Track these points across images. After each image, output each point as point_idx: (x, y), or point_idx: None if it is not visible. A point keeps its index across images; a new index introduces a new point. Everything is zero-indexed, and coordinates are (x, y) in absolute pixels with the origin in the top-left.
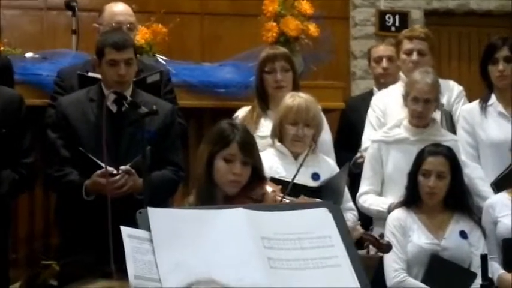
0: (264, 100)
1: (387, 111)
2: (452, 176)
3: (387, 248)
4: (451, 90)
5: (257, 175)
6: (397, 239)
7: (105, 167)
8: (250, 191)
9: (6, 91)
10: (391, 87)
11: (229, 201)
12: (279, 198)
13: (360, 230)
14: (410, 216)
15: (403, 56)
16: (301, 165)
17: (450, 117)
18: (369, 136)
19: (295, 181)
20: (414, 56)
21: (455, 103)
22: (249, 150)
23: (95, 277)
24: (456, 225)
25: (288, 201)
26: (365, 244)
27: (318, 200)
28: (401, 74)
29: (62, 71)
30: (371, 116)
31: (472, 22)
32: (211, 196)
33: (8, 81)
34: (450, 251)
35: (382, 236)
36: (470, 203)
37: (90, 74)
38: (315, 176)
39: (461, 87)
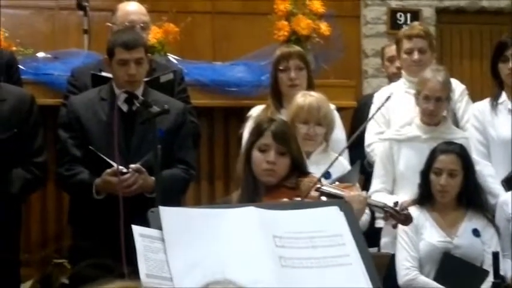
0: (278, 99)
1: (390, 108)
2: (465, 174)
3: (407, 219)
4: (454, 89)
5: (297, 167)
6: (409, 237)
7: (117, 166)
8: (287, 180)
9: (17, 91)
10: (393, 84)
11: (270, 192)
12: (312, 185)
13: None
14: (422, 214)
15: (403, 56)
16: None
17: (453, 115)
18: (373, 131)
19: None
20: (415, 55)
21: (458, 101)
22: (284, 140)
23: (111, 278)
24: (469, 223)
25: (325, 187)
26: (384, 216)
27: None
28: (402, 71)
29: (76, 70)
30: (374, 111)
31: (483, 20)
32: (253, 188)
33: (13, 77)
34: (462, 249)
35: (396, 204)
36: (483, 200)
37: (103, 73)
38: (327, 175)
39: (463, 86)
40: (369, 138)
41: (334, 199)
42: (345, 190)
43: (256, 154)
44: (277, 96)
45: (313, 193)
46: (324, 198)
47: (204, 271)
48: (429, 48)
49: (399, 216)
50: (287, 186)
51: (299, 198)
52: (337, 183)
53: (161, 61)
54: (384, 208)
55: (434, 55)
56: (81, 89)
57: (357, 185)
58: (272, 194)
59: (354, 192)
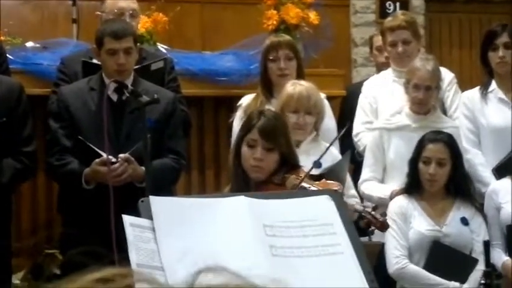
0: (268, 88)
1: (378, 98)
2: (453, 163)
3: (383, 226)
4: (443, 78)
5: (287, 162)
6: (398, 225)
7: (107, 156)
8: (275, 176)
9: (6, 80)
10: (382, 74)
11: (259, 187)
12: (298, 181)
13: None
14: (411, 203)
15: (388, 48)
16: (316, 163)
17: (441, 104)
18: (360, 121)
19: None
20: (399, 48)
21: (446, 90)
22: (272, 135)
23: (101, 265)
24: (457, 211)
25: (307, 185)
26: (363, 221)
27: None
28: (390, 61)
29: (66, 58)
30: (362, 101)
31: (472, 9)
32: (243, 183)
33: (1, 66)
34: (451, 237)
35: (374, 208)
36: (472, 189)
37: (94, 60)
38: (317, 165)
39: (452, 74)
40: (356, 127)
41: None
42: (327, 189)
43: (244, 149)
44: (267, 85)
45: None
46: None
47: (195, 259)
48: (414, 37)
49: (376, 222)
50: (274, 183)
51: None
52: (323, 180)
53: (150, 50)
54: (361, 213)
55: (421, 43)
56: (71, 76)
57: (348, 179)
58: (260, 190)
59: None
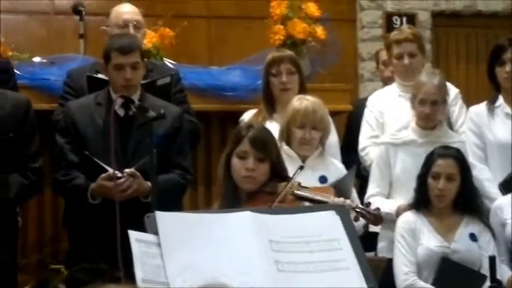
0: (270, 103)
1: (384, 112)
2: (462, 178)
3: (377, 218)
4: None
5: (278, 172)
6: (407, 241)
7: (113, 171)
8: (266, 186)
9: (14, 95)
10: (386, 88)
11: (250, 198)
12: (288, 189)
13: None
14: (420, 219)
15: (394, 61)
16: (302, 166)
17: (447, 119)
18: (366, 135)
19: (303, 184)
20: (405, 60)
21: (452, 105)
22: (263, 146)
23: (104, 282)
24: (466, 227)
25: (300, 192)
26: (355, 216)
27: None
28: (395, 75)
29: (72, 72)
30: (368, 116)
31: (479, 23)
32: (234, 195)
33: (8, 83)
34: (460, 253)
35: (368, 204)
36: (480, 205)
37: (100, 75)
38: (323, 179)
39: (457, 90)
40: (362, 142)
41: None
42: (320, 194)
43: (235, 161)
44: (270, 100)
45: (290, 197)
46: (305, 203)
47: (198, 274)
48: (419, 51)
49: (369, 216)
50: (266, 192)
51: (276, 203)
52: (316, 185)
53: (157, 63)
54: (355, 209)
55: (426, 58)
56: (78, 90)
57: (354, 194)
58: (252, 200)
59: (333, 197)
